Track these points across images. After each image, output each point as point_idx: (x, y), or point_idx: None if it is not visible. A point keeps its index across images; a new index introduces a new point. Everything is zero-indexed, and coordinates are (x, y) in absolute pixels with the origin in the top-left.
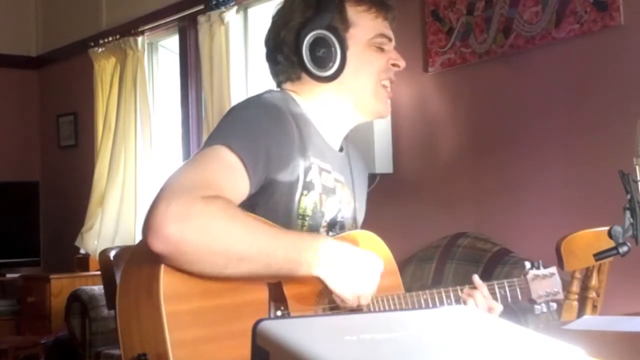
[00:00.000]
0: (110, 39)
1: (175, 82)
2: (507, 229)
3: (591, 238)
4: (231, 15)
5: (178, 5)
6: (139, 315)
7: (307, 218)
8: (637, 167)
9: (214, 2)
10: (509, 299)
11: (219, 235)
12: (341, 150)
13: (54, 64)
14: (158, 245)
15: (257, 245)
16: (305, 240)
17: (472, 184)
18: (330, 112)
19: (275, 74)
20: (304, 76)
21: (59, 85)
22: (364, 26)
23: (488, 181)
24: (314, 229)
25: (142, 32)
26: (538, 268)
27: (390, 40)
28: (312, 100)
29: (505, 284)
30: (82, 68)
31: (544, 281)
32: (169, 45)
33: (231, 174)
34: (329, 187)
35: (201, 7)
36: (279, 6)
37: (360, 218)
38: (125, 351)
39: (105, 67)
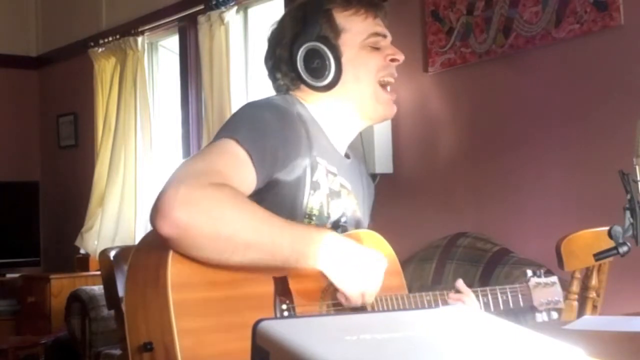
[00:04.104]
0: (110, 39)
1: (175, 82)
2: (507, 229)
3: (591, 238)
4: (231, 15)
5: (178, 5)
6: (145, 303)
7: (314, 218)
8: (637, 167)
9: (214, 2)
10: (511, 304)
11: (226, 220)
12: (347, 157)
13: (54, 64)
14: (166, 228)
15: (263, 234)
16: (312, 233)
17: (472, 184)
18: (335, 118)
19: (277, 90)
20: (304, 87)
21: (59, 85)
22: (355, 30)
23: (488, 181)
24: None
25: (142, 32)
26: (540, 276)
27: (384, 36)
28: (317, 106)
29: (508, 290)
30: (82, 68)
31: (545, 289)
32: (169, 45)
33: (238, 166)
34: (335, 190)
35: (201, 7)
36: (272, 27)
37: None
38: (132, 339)
39: (105, 67)
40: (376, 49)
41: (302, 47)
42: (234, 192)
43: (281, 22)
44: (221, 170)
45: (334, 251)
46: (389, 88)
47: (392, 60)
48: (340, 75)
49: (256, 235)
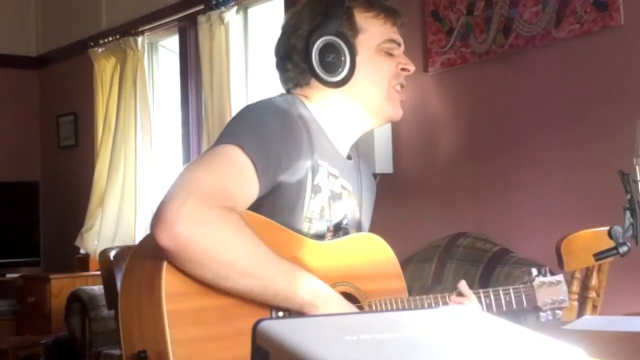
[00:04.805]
0: (110, 39)
1: (175, 82)
2: (507, 229)
3: (591, 238)
4: (231, 15)
5: (178, 5)
6: (140, 312)
7: (314, 221)
8: (637, 167)
9: (214, 2)
10: (514, 305)
11: (227, 247)
12: (349, 158)
13: (54, 64)
14: (166, 239)
15: (260, 266)
16: (304, 277)
17: (472, 184)
18: (340, 118)
19: (285, 81)
20: (313, 82)
21: (59, 85)
22: (373, 32)
23: (488, 181)
24: (319, 233)
25: (142, 32)
26: (545, 275)
27: (399, 45)
28: (321, 105)
29: (511, 290)
30: (82, 68)
31: (551, 288)
32: (169, 45)
33: (243, 177)
34: (336, 192)
35: (201, 7)
36: (288, 16)
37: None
38: (126, 348)
39: (105, 67)
40: (390, 55)
41: (319, 40)
42: (239, 220)
43: (299, 13)
44: (227, 187)
45: (321, 300)
46: (399, 91)
47: (403, 69)
48: (353, 73)
49: (253, 266)
